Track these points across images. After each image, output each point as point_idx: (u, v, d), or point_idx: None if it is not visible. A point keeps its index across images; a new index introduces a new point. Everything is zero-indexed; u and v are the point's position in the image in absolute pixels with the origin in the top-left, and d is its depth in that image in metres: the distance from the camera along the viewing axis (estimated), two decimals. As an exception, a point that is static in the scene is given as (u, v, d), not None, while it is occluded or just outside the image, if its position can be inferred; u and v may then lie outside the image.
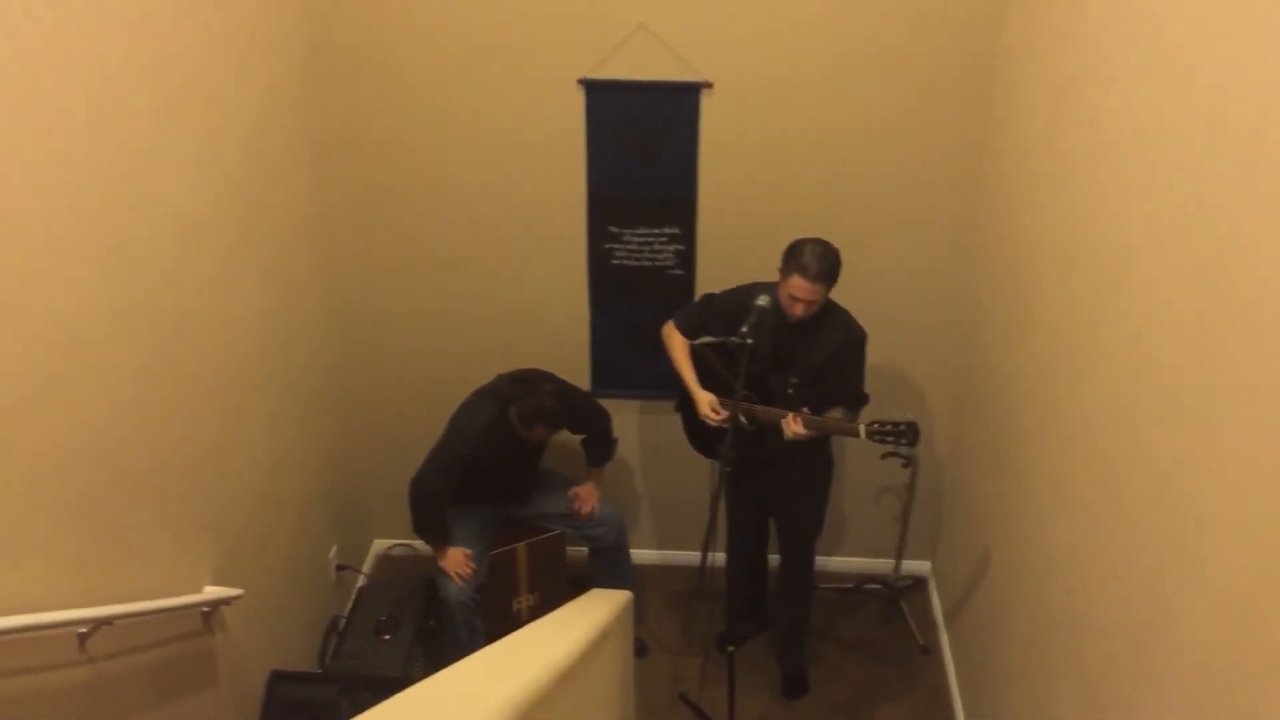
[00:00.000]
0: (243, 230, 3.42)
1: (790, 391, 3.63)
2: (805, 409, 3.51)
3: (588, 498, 4.26)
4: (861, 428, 3.46)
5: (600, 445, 4.31)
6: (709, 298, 3.89)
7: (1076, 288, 2.83)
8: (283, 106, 3.70)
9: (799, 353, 3.61)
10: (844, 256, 3.71)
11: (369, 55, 3.95)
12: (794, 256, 3.41)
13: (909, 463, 4.37)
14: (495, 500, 4.23)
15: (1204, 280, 1.98)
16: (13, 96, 2.22)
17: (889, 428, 3.43)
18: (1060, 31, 3.08)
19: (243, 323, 3.45)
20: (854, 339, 3.62)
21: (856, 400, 3.64)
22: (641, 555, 4.85)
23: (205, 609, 3.18)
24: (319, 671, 4.12)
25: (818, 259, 3.38)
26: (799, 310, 3.45)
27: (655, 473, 4.76)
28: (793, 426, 3.48)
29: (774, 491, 4.02)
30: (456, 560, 4.05)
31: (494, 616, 4.23)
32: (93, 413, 2.59)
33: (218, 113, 3.20)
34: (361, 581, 4.66)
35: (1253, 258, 1.78)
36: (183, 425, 3.05)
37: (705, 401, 3.70)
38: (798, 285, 3.40)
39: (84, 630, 2.51)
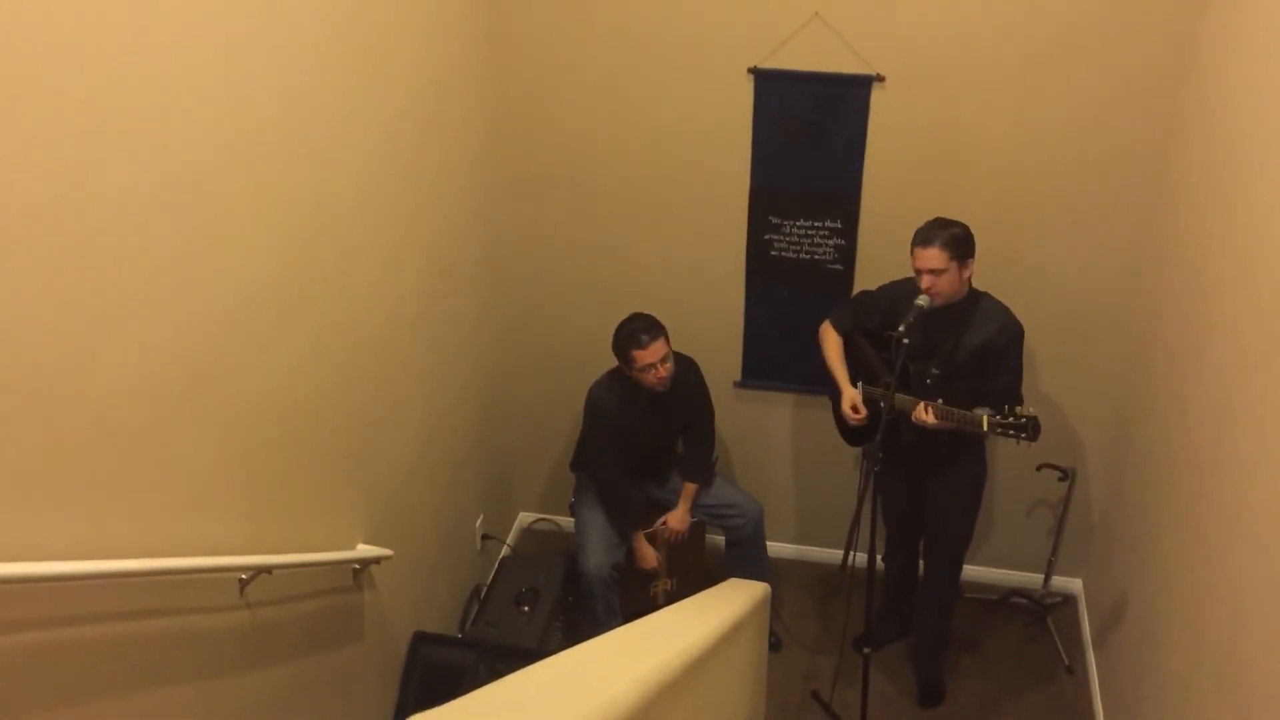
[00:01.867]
0: (413, 214, 3.53)
1: (928, 381, 3.56)
2: (940, 400, 3.44)
3: (675, 524, 4.28)
4: (985, 418, 3.38)
5: (698, 447, 4.30)
6: (864, 294, 3.87)
7: (1258, 301, 2.68)
8: (459, 94, 3.80)
9: (946, 343, 3.54)
10: (1009, 258, 3.60)
11: (542, 42, 4.02)
12: (914, 235, 3.44)
13: (1065, 475, 4.22)
14: (638, 476, 4.27)
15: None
16: (205, 79, 2.33)
17: (1010, 420, 3.35)
18: (1263, 36, 2.91)
19: (408, 303, 3.56)
20: (1011, 332, 3.53)
21: (1005, 398, 3.46)
22: (782, 549, 4.83)
23: (356, 566, 3.31)
24: (459, 636, 4.24)
25: (929, 225, 3.41)
26: (927, 284, 3.42)
27: (801, 467, 4.72)
28: (920, 413, 3.46)
29: (924, 496, 3.94)
30: (648, 559, 4.25)
31: (631, 598, 4.28)
32: (269, 381, 2.72)
33: (397, 100, 3.30)
34: (505, 552, 4.77)
35: None
36: (348, 397, 3.17)
37: (848, 400, 3.67)
38: (918, 256, 3.42)
39: (244, 577, 2.64)
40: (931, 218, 3.48)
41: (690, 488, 4.29)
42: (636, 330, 3.85)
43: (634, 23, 3.92)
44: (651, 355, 3.85)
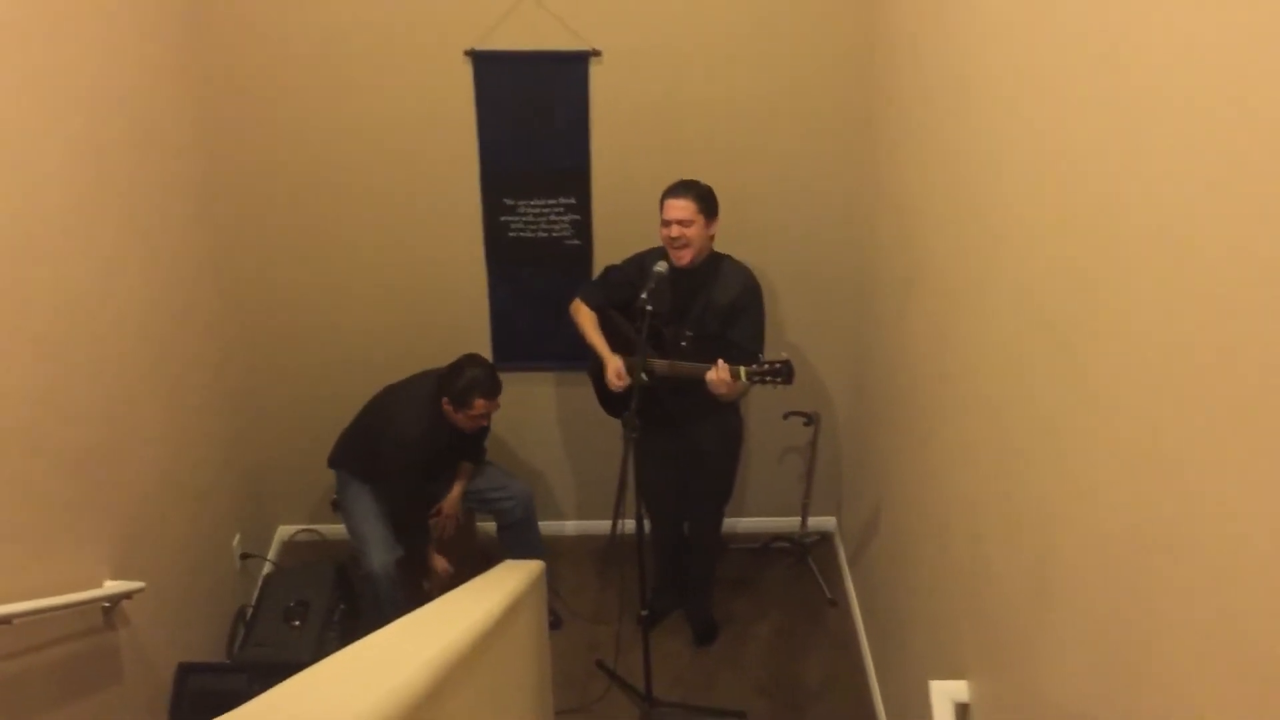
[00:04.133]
0: (129, 214, 3.33)
1: (683, 344, 3.67)
2: (720, 360, 3.51)
3: (449, 509, 4.29)
4: (742, 370, 3.48)
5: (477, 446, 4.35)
6: (608, 269, 3.93)
7: (961, 244, 2.90)
8: (165, 83, 3.60)
9: (695, 306, 3.65)
10: (738, 221, 3.74)
11: (251, 32, 3.86)
12: (664, 191, 3.57)
13: (810, 420, 4.45)
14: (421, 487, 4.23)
15: (1082, 231, 2.05)
16: None
17: (765, 366, 3.47)
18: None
19: (133, 310, 3.36)
20: (751, 287, 3.70)
21: (750, 352, 3.61)
22: (557, 526, 4.87)
23: (106, 604, 3.11)
24: (227, 661, 4.06)
25: (679, 182, 3.55)
26: (675, 233, 3.53)
27: (569, 443, 4.77)
28: (720, 375, 3.47)
29: (686, 455, 4.06)
30: (441, 567, 4.21)
31: (406, 594, 4.21)
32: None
33: (94, 91, 3.10)
34: (267, 569, 4.59)
35: (1131, 206, 1.84)
36: (73, 418, 2.96)
37: (614, 368, 3.73)
38: (668, 207, 3.54)
39: (-21, 630, 2.44)
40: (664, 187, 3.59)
41: (466, 467, 4.29)
42: (484, 380, 3.88)
43: (346, 8, 3.83)
44: (490, 407, 3.94)
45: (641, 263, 3.77)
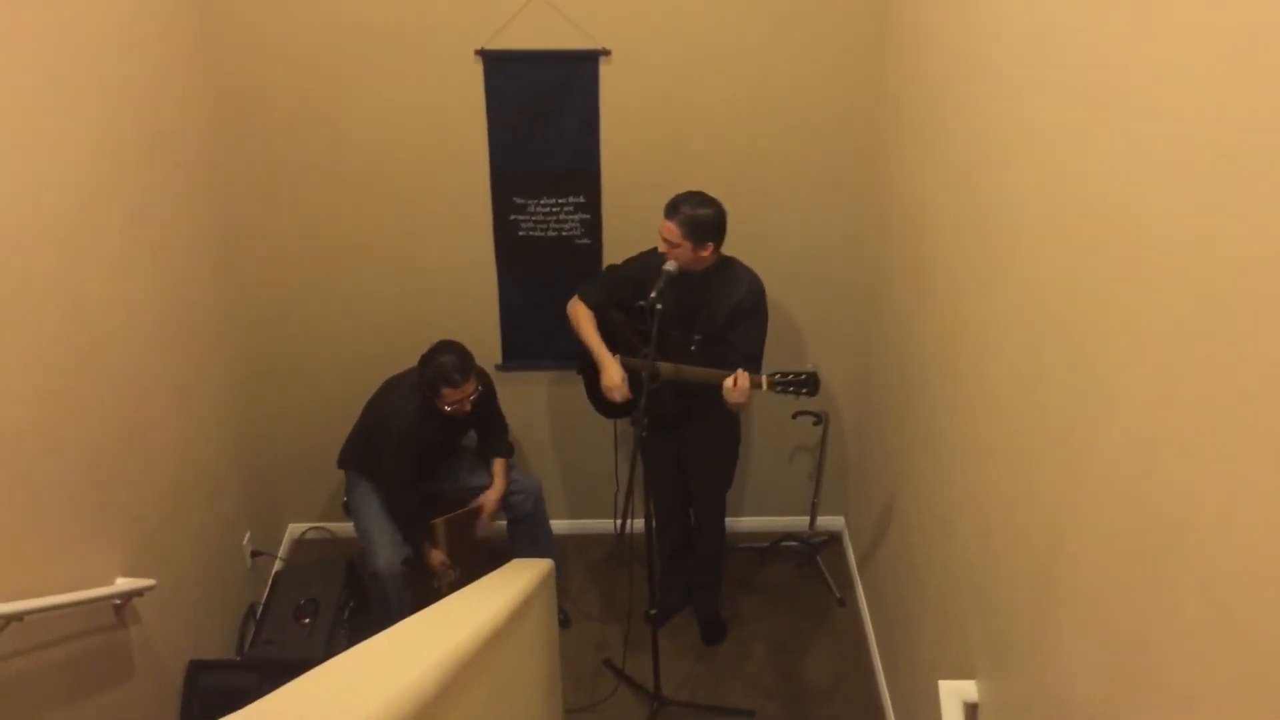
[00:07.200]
0: (137, 212, 3.34)
1: (692, 349, 3.67)
2: (741, 369, 3.51)
3: (490, 503, 4.25)
4: (764, 379, 3.51)
5: (496, 435, 4.32)
6: (612, 268, 3.93)
7: (972, 245, 2.90)
8: (174, 83, 3.61)
9: (703, 310, 3.65)
10: (747, 220, 3.73)
11: (261, 30, 3.87)
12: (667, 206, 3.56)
13: (820, 420, 4.45)
14: (421, 477, 4.21)
15: (1094, 235, 2.05)
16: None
17: (790, 377, 3.49)
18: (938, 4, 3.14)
19: (142, 308, 3.37)
20: (755, 291, 3.69)
21: (747, 360, 3.62)
22: (557, 526, 4.87)
23: (117, 601, 3.13)
24: (238, 659, 4.07)
25: (680, 198, 3.53)
26: (664, 249, 3.53)
27: (567, 444, 4.78)
28: (740, 384, 3.46)
29: (687, 454, 4.07)
30: (435, 562, 4.17)
31: (415, 594, 4.22)
32: (-12, 406, 2.52)
33: (104, 89, 3.11)
34: (278, 566, 4.60)
35: (1140, 209, 1.84)
36: (82, 416, 2.98)
37: (614, 373, 3.72)
38: (662, 224, 3.53)
39: (-9, 627, 2.45)
40: (682, 190, 3.56)
41: (500, 462, 4.28)
42: (448, 368, 3.81)
43: (356, 7, 3.83)
44: (459, 393, 3.86)
45: (646, 260, 3.76)
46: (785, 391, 3.51)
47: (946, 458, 3.19)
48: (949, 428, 3.16)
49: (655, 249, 3.69)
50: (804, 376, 3.49)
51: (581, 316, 3.88)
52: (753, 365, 3.62)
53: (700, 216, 3.50)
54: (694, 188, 3.58)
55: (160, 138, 3.50)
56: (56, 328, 2.83)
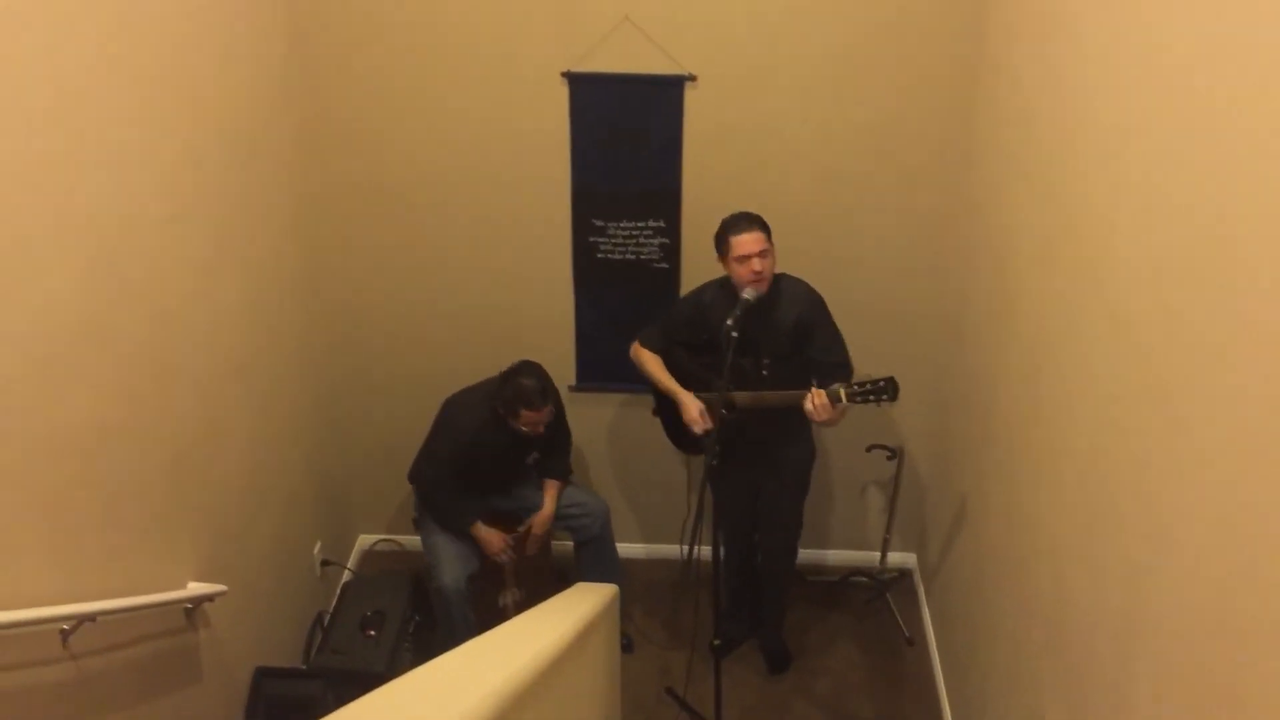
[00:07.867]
0: (225, 226, 3.40)
1: (764, 373, 3.63)
2: (814, 385, 3.46)
3: (539, 525, 4.23)
4: (841, 391, 3.42)
5: (557, 454, 4.30)
6: (666, 316, 3.92)
7: (1058, 280, 2.83)
8: (265, 101, 3.68)
9: (765, 332, 3.60)
10: (826, 249, 3.68)
11: (352, 49, 3.93)
12: (723, 229, 3.53)
13: (894, 455, 4.38)
14: (481, 493, 4.22)
15: (1186, 271, 1.99)
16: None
17: (869, 386, 3.40)
18: (1041, 23, 3.08)
19: (226, 319, 3.44)
20: (814, 300, 3.64)
21: (838, 368, 3.58)
22: (625, 549, 4.85)
23: (188, 605, 3.17)
24: (304, 667, 4.11)
25: (737, 217, 3.51)
26: (759, 267, 3.47)
27: (637, 467, 4.76)
28: (817, 401, 3.41)
29: (759, 484, 4.02)
30: (494, 544, 4.12)
31: (479, 612, 4.22)
32: (75, 410, 2.57)
33: (198, 107, 3.18)
34: (347, 577, 4.64)
35: (1233, 248, 1.78)
36: (165, 422, 3.03)
37: (695, 408, 3.67)
38: (743, 243, 3.47)
39: (66, 627, 2.49)
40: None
41: (553, 484, 4.27)
42: (530, 392, 3.83)
43: (446, 28, 3.88)
44: (537, 416, 3.87)
45: (698, 299, 3.74)
46: (866, 400, 3.42)
47: (1024, 499, 3.11)
48: (1028, 468, 3.08)
49: (706, 285, 3.68)
50: (882, 383, 3.39)
51: (647, 359, 3.88)
52: (844, 372, 3.57)
53: (761, 218, 3.52)
54: (773, 215, 3.56)
55: (250, 151, 3.57)
56: (144, 332, 2.89)
